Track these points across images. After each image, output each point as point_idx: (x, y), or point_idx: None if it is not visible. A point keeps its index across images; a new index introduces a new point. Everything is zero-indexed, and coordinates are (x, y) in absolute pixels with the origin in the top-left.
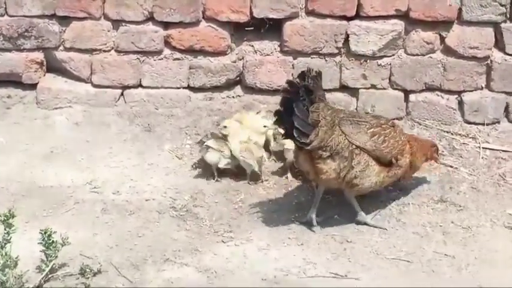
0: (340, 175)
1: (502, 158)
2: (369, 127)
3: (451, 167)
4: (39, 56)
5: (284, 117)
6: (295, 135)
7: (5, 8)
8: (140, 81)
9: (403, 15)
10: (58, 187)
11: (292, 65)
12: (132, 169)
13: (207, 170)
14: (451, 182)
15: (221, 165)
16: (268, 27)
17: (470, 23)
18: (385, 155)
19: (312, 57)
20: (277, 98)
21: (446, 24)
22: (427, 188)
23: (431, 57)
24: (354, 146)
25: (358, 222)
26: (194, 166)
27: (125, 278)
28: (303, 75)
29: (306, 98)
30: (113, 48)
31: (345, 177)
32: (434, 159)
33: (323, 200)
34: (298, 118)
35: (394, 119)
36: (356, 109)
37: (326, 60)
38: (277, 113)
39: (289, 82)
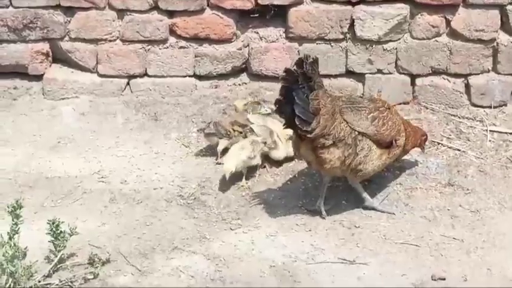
0: (346, 163)
1: (509, 141)
2: (368, 112)
3: (459, 150)
4: (44, 46)
5: (284, 107)
6: (297, 123)
7: (10, 0)
8: (146, 70)
9: None
10: (65, 177)
11: (298, 51)
12: (139, 158)
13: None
14: (458, 165)
15: None
16: (273, 14)
17: (475, 6)
18: (385, 138)
19: (317, 43)
20: None
21: (452, 7)
22: (435, 171)
23: (437, 41)
24: (357, 133)
25: (366, 208)
26: (201, 154)
27: (134, 266)
28: (300, 63)
29: (305, 85)
30: (118, 37)
31: (350, 165)
32: (422, 147)
33: (330, 186)
34: (299, 106)
35: (400, 103)
36: (362, 94)
37: (332, 46)
38: (277, 102)
39: (287, 70)
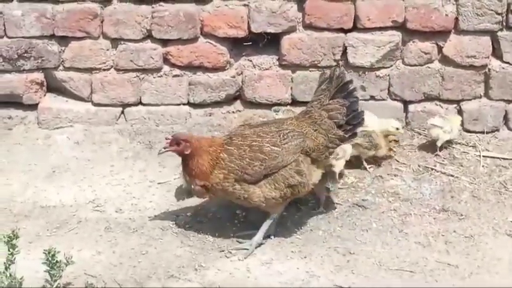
0: None
1: (502, 166)
2: None
3: (452, 176)
4: (39, 76)
5: None
6: None
7: (4, 30)
8: (140, 99)
9: (400, 26)
10: (61, 206)
11: (291, 78)
12: (134, 187)
13: None
14: (452, 191)
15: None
16: (266, 42)
17: (467, 32)
18: None
19: (310, 70)
20: None
21: (443, 33)
22: (429, 197)
23: (429, 67)
24: None
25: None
26: None
27: None
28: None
29: None
30: (112, 66)
31: None
32: None
33: (324, 213)
34: None
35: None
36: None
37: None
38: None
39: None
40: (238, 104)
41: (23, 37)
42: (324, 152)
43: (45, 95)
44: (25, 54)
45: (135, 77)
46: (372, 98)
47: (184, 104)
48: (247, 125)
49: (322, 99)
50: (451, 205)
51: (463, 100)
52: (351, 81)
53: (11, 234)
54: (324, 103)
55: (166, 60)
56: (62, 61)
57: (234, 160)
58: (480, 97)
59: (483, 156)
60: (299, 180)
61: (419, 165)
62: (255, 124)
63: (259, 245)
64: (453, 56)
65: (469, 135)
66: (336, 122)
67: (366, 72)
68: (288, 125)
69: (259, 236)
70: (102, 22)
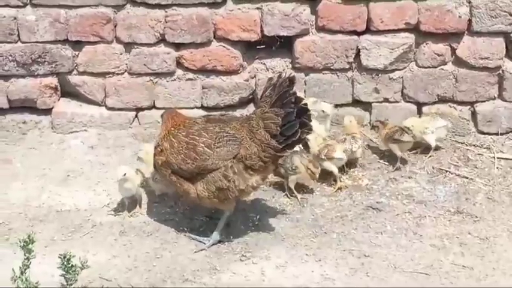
0: None
1: None
2: None
3: (466, 178)
4: (53, 81)
5: None
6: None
7: (18, 35)
8: (154, 103)
9: (413, 28)
10: (75, 211)
11: (304, 81)
12: None
13: None
14: (466, 193)
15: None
16: (279, 45)
17: (480, 34)
18: None
19: (323, 73)
20: None
21: (457, 35)
22: (443, 199)
23: (442, 69)
24: None
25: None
26: None
27: None
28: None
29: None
30: (125, 70)
31: None
32: None
33: (338, 215)
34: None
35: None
36: (369, 123)
37: (338, 76)
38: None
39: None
40: (251, 107)
41: (36, 42)
42: (257, 161)
43: (59, 100)
44: (39, 59)
45: (148, 81)
46: (386, 100)
47: (197, 108)
48: (205, 118)
49: (264, 107)
50: (465, 207)
51: (476, 102)
52: (291, 90)
53: (27, 239)
54: (264, 111)
55: (179, 64)
56: (76, 65)
57: (172, 153)
58: (494, 98)
59: (497, 157)
60: (227, 185)
61: (433, 167)
62: (212, 118)
63: (218, 241)
64: (467, 58)
65: (483, 136)
66: (270, 132)
67: (380, 75)
68: (232, 128)
69: (216, 234)
70: (115, 26)
